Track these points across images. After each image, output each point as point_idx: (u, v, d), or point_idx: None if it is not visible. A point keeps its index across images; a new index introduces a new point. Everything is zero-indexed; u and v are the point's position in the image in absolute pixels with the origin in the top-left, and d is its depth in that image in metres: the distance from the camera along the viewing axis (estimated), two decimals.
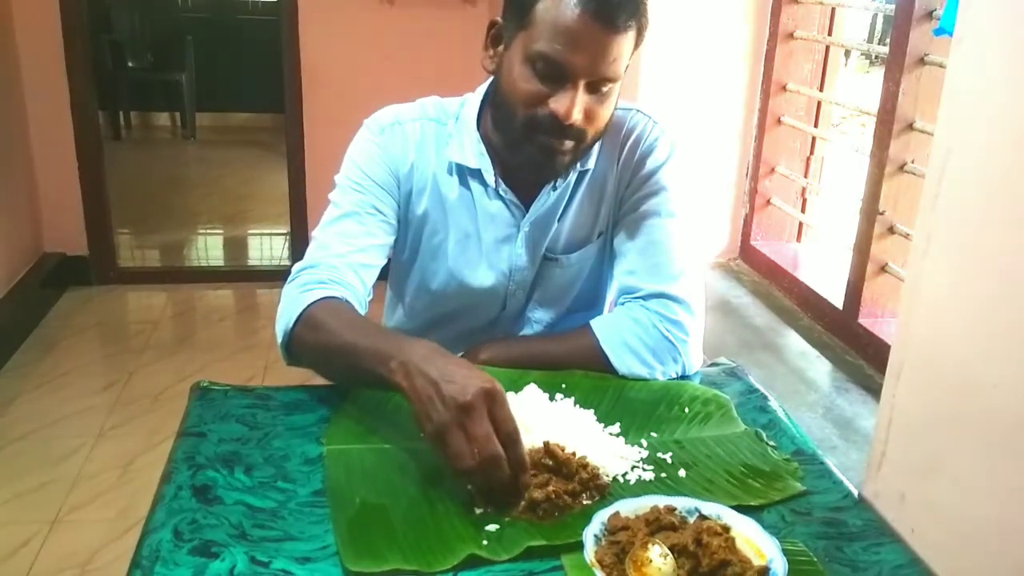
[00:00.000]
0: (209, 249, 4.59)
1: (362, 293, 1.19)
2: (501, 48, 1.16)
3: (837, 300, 1.90)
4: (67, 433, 2.59)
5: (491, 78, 1.23)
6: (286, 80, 3.56)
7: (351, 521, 0.88)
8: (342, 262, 1.18)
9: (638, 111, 1.27)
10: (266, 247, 4.57)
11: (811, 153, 2.30)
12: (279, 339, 1.15)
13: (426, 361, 0.93)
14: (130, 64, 6.07)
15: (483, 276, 1.28)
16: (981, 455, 0.90)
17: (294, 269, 1.19)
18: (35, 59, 3.36)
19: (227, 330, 3.51)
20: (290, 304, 1.14)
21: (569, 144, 1.13)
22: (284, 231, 4.16)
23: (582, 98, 1.09)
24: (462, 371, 0.91)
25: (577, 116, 1.09)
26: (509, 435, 0.89)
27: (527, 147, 1.14)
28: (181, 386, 2.74)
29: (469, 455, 0.87)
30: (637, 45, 1.13)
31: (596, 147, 1.24)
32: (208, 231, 4.75)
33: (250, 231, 4.72)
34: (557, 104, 1.09)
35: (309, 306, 1.11)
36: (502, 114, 1.16)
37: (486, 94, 1.25)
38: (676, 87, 2.29)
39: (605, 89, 1.11)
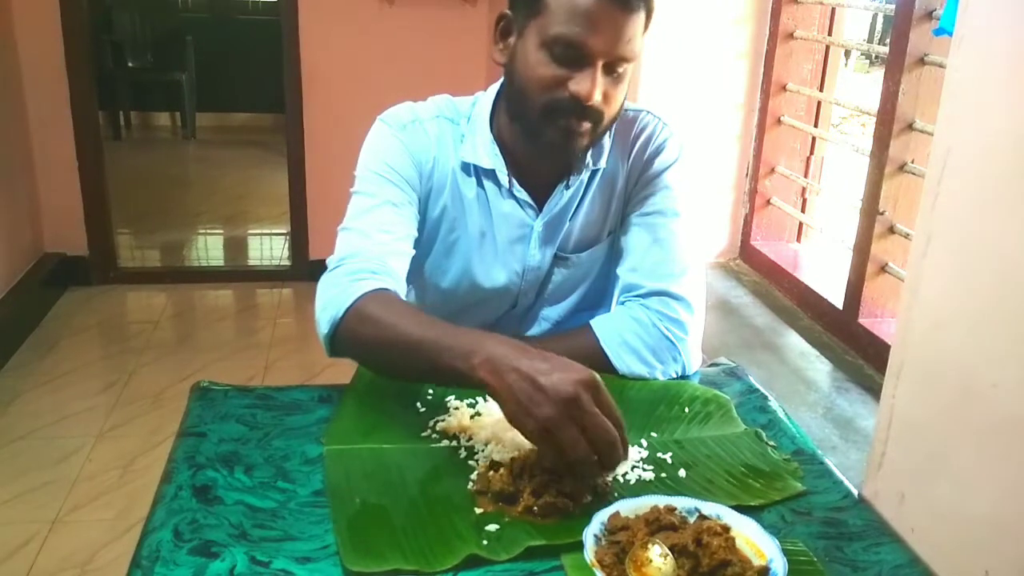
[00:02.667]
0: (209, 249, 4.59)
1: (403, 283, 1.18)
2: (512, 39, 1.16)
3: (837, 300, 1.90)
4: (67, 433, 2.59)
5: (501, 78, 1.23)
6: (286, 80, 3.56)
7: (351, 521, 0.88)
8: (386, 250, 1.16)
9: (648, 112, 1.29)
10: (266, 247, 4.57)
11: (811, 153, 2.30)
12: (324, 330, 1.10)
13: (512, 357, 0.91)
14: (130, 64, 6.08)
15: (496, 275, 1.28)
16: (981, 455, 0.90)
17: (332, 260, 1.16)
18: (35, 59, 3.36)
19: (227, 330, 3.51)
20: (338, 294, 1.09)
21: (587, 126, 1.14)
22: (284, 231, 4.16)
23: (601, 78, 1.10)
24: (554, 363, 0.90)
25: (598, 97, 1.10)
26: (618, 420, 0.89)
27: (546, 132, 1.14)
28: (181, 386, 2.75)
29: (584, 445, 0.86)
30: (646, 27, 1.13)
31: (608, 146, 1.25)
32: (208, 231, 4.75)
33: (250, 231, 4.72)
34: (578, 86, 1.09)
35: (360, 297, 1.07)
36: (519, 103, 1.16)
37: (498, 93, 1.25)
38: (676, 87, 2.29)
39: (620, 70, 1.12)
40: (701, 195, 2.36)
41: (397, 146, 1.23)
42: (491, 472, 0.94)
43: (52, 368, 2.99)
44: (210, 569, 0.80)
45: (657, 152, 1.27)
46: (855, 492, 1.00)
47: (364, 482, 0.94)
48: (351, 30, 3.53)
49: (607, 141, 1.25)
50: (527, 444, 0.96)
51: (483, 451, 0.99)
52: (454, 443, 1.01)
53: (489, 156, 1.23)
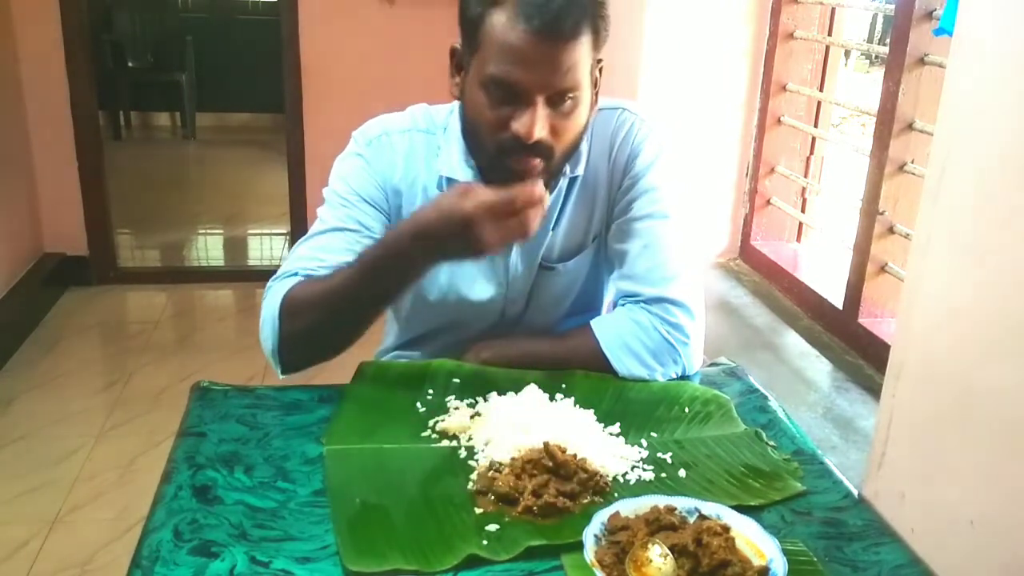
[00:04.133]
0: (209, 249, 4.59)
1: None
2: (463, 76, 1.14)
3: (837, 300, 1.90)
4: (67, 433, 2.59)
5: None
6: (286, 80, 3.56)
7: (351, 521, 0.88)
8: (310, 274, 1.16)
9: (625, 109, 1.25)
10: (266, 247, 4.57)
11: (811, 153, 2.30)
12: (269, 346, 1.14)
13: (419, 224, 1.02)
14: (130, 64, 6.07)
15: (480, 288, 1.27)
16: (981, 455, 0.90)
17: (269, 282, 1.19)
18: (35, 59, 3.36)
19: (227, 330, 3.51)
20: (265, 310, 1.14)
21: (538, 162, 1.10)
22: (284, 231, 4.16)
23: (542, 114, 1.06)
24: (440, 206, 1.01)
25: (540, 133, 1.06)
26: (511, 205, 0.97)
27: (500, 173, 1.11)
28: (181, 386, 2.74)
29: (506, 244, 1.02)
30: (597, 45, 1.10)
31: (585, 152, 1.22)
32: (208, 231, 4.75)
33: (250, 231, 4.71)
34: (518, 125, 1.06)
35: (283, 298, 1.11)
36: (473, 142, 1.16)
37: None
38: (676, 87, 2.29)
39: (568, 100, 1.08)
40: (700, 194, 2.36)
41: (360, 165, 1.23)
42: (491, 472, 0.94)
43: (52, 368, 2.99)
44: (210, 569, 0.81)
45: (638, 152, 1.24)
46: (855, 492, 1.00)
47: (364, 482, 0.94)
48: (351, 30, 3.53)
49: (584, 146, 1.22)
50: (527, 444, 0.96)
51: (483, 451, 0.99)
52: (454, 443, 1.02)
53: (464, 169, 1.20)
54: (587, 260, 1.30)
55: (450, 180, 1.21)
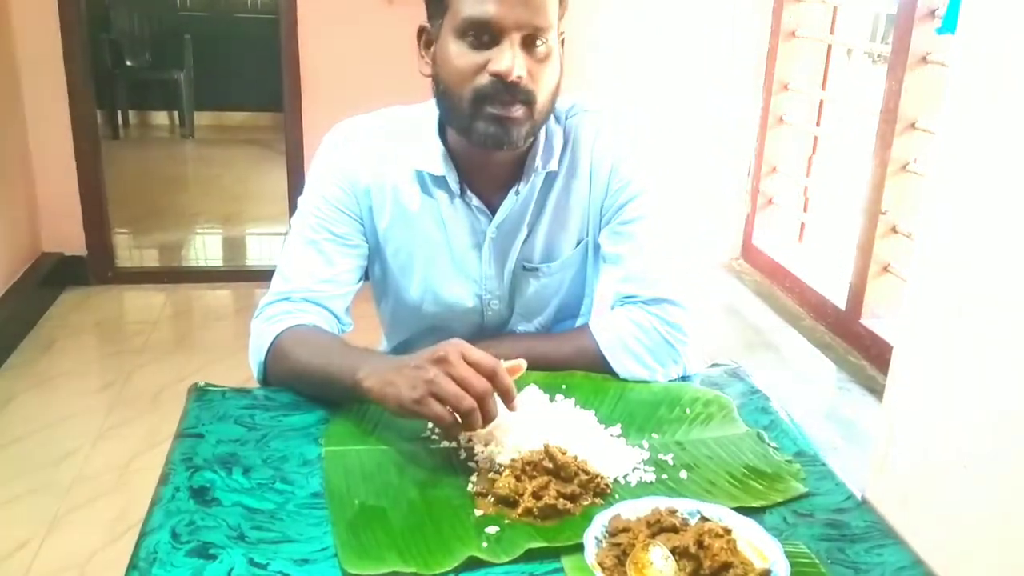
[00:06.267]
0: (207, 249, 4.58)
1: (332, 321, 1.20)
2: (433, 48, 1.15)
3: (839, 300, 1.89)
4: (65, 433, 2.58)
5: None
6: (284, 78, 3.55)
7: (350, 523, 0.87)
8: (304, 296, 1.18)
9: (608, 111, 1.25)
10: (265, 247, 4.56)
11: (813, 152, 2.30)
12: (255, 375, 1.17)
13: (387, 362, 1.01)
14: (128, 63, 6.07)
15: (457, 286, 1.26)
16: (983, 457, 0.89)
17: (260, 304, 1.20)
18: (34, 59, 3.35)
19: (225, 330, 3.50)
20: (258, 339, 1.16)
21: (519, 108, 1.10)
22: (283, 231, 4.15)
23: (520, 53, 1.07)
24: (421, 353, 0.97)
25: (520, 71, 1.07)
26: (492, 369, 0.93)
27: (479, 123, 1.11)
28: (179, 386, 2.73)
29: (463, 397, 0.92)
30: (561, 2, 1.12)
31: (558, 147, 1.21)
32: (206, 231, 4.75)
33: (248, 231, 4.71)
34: (497, 64, 1.07)
35: (276, 337, 1.13)
36: (449, 102, 1.14)
37: None
38: (678, 87, 2.28)
39: (540, 45, 1.09)
40: (699, 193, 2.36)
41: (327, 170, 1.23)
42: (491, 474, 0.94)
43: (50, 368, 2.99)
44: (208, 571, 0.80)
45: (624, 155, 1.23)
46: (857, 494, 1.00)
47: (363, 483, 0.94)
48: (350, 29, 3.53)
49: (557, 143, 1.21)
50: (527, 445, 0.96)
51: (483, 452, 0.98)
52: (454, 444, 1.01)
53: (440, 163, 1.19)
54: (574, 263, 1.29)
55: (423, 173, 1.21)
